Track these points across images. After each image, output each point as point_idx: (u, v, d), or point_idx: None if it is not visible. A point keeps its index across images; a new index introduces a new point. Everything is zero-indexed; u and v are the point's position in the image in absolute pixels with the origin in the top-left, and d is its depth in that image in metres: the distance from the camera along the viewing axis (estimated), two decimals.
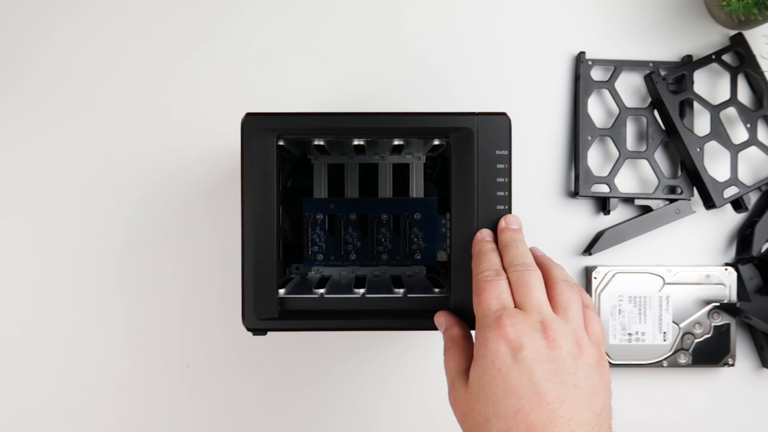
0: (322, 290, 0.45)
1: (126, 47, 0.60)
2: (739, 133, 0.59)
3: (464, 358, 0.39)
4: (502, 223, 0.42)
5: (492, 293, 0.38)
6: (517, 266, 0.39)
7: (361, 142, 0.46)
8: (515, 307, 0.37)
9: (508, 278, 0.39)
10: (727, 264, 0.59)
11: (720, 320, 0.58)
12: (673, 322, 0.58)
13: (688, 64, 0.59)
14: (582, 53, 0.59)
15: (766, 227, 0.58)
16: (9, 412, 0.60)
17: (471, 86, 0.60)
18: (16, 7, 0.60)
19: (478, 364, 0.36)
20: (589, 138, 0.59)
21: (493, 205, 0.43)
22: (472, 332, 0.41)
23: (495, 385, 0.35)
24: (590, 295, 0.58)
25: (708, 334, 0.58)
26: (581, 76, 0.59)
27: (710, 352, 0.58)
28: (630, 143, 0.60)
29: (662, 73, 0.59)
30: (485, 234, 0.42)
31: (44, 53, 0.60)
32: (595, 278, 0.58)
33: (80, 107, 0.60)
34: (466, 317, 0.42)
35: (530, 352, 0.35)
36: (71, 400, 0.60)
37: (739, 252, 0.60)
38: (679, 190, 0.59)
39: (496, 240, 0.42)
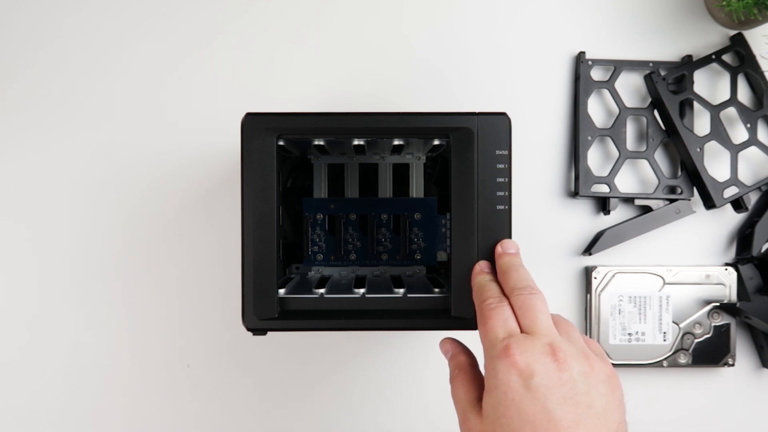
0: (322, 290, 0.45)
1: (125, 49, 0.60)
2: (739, 133, 0.59)
3: (474, 387, 0.39)
4: (499, 248, 0.42)
5: (497, 321, 0.37)
6: (521, 290, 0.38)
7: (361, 142, 0.46)
8: (522, 332, 0.37)
9: (511, 303, 0.38)
10: (727, 264, 0.59)
11: (720, 320, 0.58)
12: (673, 322, 0.58)
13: (688, 64, 0.59)
14: (582, 53, 0.59)
15: (766, 227, 0.58)
16: (10, 412, 0.60)
17: (471, 86, 0.60)
18: (15, 8, 0.60)
19: (491, 395, 0.35)
20: (589, 138, 0.59)
21: (493, 205, 0.42)
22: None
23: (510, 415, 0.34)
24: (590, 295, 0.59)
25: (708, 334, 0.58)
26: (581, 76, 0.59)
27: (710, 352, 0.58)
28: (630, 143, 0.60)
29: (662, 73, 0.59)
30: (483, 266, 0.42)
31: (44, 54, 0.60)
32: (595, 278, 0.58)
33: (80, 107, 0.60)
34: (467, 323, 0.42)
35: (542, 379, 0.34)
36: (71, 400, 0.60)
37: (739, 252, 0.60)
38: (679, 190, 0.59)
39: (494, 269, 0.42)
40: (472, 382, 0.39)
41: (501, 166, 0.43)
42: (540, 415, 0.34)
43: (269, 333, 0.44)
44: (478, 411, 0.37)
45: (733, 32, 0.59)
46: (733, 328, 0.58)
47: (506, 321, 0.37)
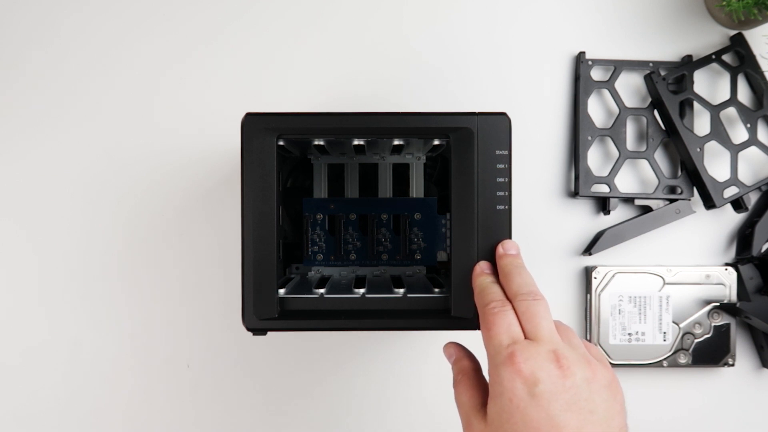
0: (322, 290, 0.45)
1: (125, 49, 0.60)
2: (739, 133, 0.59)
3: (478, 392, 0.39)
4: (500, 249, 0.42)
5: (501, 326, 0.37)
6: (525, 295, 0.38)
7: (361, 142, 0.46)
8: (526, 337, 0.37)
9: (514, 307, 0.38)
10: (727, 264, 0.59)
11: (720, 320, 0.58)
12: (673, 322, 0.58)
13: (688, 64, 0.59)
14: (582, 53, 0.59)
15: (766, 227, 0.58)
16: (10, 412, 0.60)
17: (471, 86, 0.60)
18: (15, 8, 0.60)
19: (496, 401, 0.36)
20: (589, 138, 0.59)
21: (493, 205, 0.43)
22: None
23: (514, 422, 0.35)
24: (590, 295, 0.59)
25: (708, 334, 0.58)
26: (581, 76, 0.59)
27: (710, 352, 0.58)
28: (630, 143, 0.60)
29: (662, 73, 0.59)
30: (484, 267, 0.42)
31: (44, 54, 0.60)
32: (595, 278, 0.58)
33: (80, 107, 0.60)
34: (467, 323, 0.42)
35: (546, 386, 0.34)
36: (71, 400, 0.60)
37: (739, 252, 0.60)
38: (679, 190, 0.59)
39: (495, 269, 0.42)
40: (476, 387, 0.39)
41: (501, 166, 0.43)
42: (544, 422, 0.34)
43: (269, 333, 0.44)
44: (483, 416, 0.37)
45: (733, 32, 0.59)
46: (733, 328, 0.58)
47: (510, 326, 0.37)
